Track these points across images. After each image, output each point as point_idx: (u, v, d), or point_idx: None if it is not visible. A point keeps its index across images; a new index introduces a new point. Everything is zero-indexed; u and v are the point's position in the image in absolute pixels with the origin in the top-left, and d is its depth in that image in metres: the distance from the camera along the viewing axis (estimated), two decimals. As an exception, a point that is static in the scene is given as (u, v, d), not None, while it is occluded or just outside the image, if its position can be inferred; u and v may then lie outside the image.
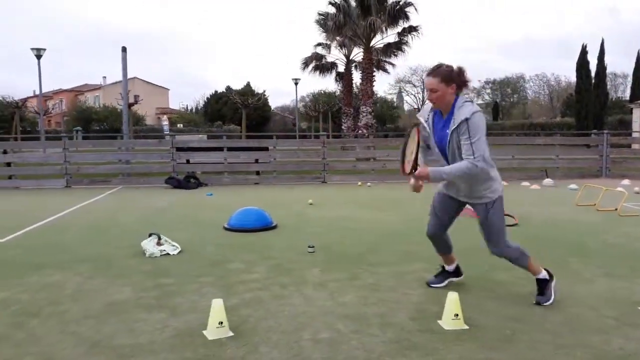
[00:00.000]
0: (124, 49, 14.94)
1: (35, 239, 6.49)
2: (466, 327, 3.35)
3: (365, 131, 24.85)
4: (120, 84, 16.19)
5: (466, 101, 3.48)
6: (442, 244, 4.06)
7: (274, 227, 6.91)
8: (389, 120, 57.04)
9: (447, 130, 3.45)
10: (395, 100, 66.18)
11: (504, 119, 59.95)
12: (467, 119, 3.33)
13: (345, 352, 3.02)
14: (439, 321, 3.45)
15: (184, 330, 3.35)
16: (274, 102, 69.70)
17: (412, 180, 3.62)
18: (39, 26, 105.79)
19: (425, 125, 3.62)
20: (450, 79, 3.43)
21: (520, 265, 3.80)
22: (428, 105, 3.63)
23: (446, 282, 4.19)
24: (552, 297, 3.77)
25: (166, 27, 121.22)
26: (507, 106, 67.17)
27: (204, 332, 3.29)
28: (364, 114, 25.32)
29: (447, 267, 4.20)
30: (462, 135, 3.36)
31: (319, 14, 26.99)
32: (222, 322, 3.27)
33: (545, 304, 3.73)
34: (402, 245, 5.86)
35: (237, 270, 4.82)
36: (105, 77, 64.58)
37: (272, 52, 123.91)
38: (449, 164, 3.52)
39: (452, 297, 3.40)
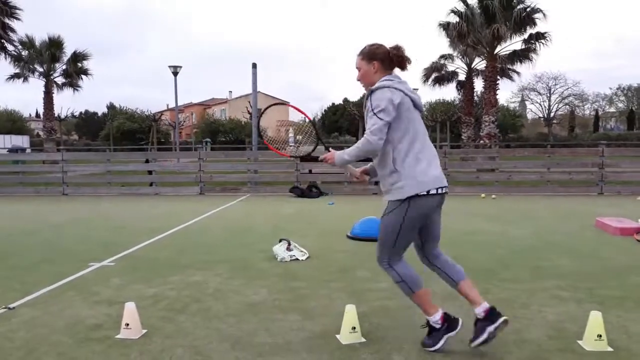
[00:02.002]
0: (254, 66, 15.80)
1: (177, 240, 7.09)
2: (610, 349, 3.16)
3: (487, 141, 23.95)
4: (245, 98, 17.12)
5: (388, 79, 3.08)
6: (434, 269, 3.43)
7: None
8: (511, 129, 54.47)
9: None
10: (517, 108, 63.07)
11: (640, 128, 54.93)
12: (372, 91, 3.04)
13: (480, 366, 2.98)
14: (579, 341, 3.28)
15: (318, 333, 3.49)
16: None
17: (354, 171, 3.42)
18: (166, 45, 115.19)
19: None
20: (372, 56, 3.12)
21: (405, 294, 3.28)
22: None
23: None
24: (438, 345, 3.17)
25: (286, 43, 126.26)
26: (643, 114, 61.33)
27: (337, 336, 3.41)
28: (487, 124, 24.39)
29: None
30: (365, 108, 3.07)
31: (440, 24, 26.53)
32: (354, 328, 3.37)
33: (427, 348, 3.19)
34: (533, 260, 5.62)
35: (364, 279, 4.91)
36: (231, 91, 68.33)
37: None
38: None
39: (595, 317, 3.22)
